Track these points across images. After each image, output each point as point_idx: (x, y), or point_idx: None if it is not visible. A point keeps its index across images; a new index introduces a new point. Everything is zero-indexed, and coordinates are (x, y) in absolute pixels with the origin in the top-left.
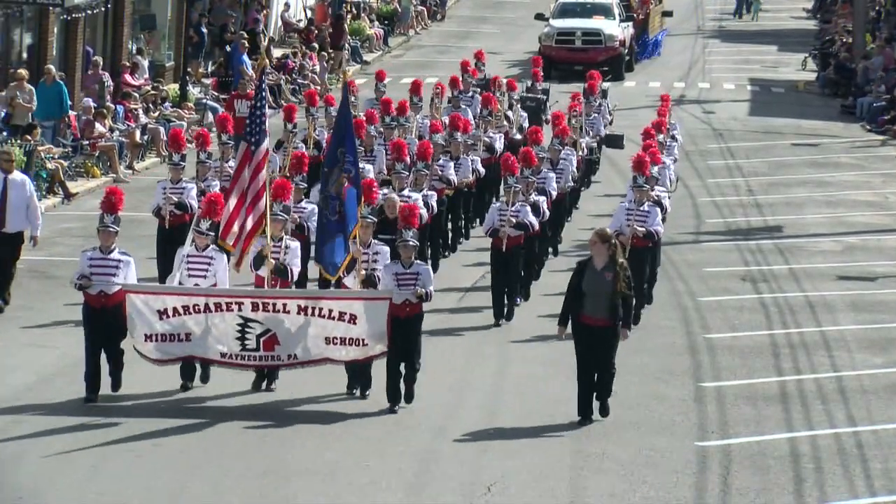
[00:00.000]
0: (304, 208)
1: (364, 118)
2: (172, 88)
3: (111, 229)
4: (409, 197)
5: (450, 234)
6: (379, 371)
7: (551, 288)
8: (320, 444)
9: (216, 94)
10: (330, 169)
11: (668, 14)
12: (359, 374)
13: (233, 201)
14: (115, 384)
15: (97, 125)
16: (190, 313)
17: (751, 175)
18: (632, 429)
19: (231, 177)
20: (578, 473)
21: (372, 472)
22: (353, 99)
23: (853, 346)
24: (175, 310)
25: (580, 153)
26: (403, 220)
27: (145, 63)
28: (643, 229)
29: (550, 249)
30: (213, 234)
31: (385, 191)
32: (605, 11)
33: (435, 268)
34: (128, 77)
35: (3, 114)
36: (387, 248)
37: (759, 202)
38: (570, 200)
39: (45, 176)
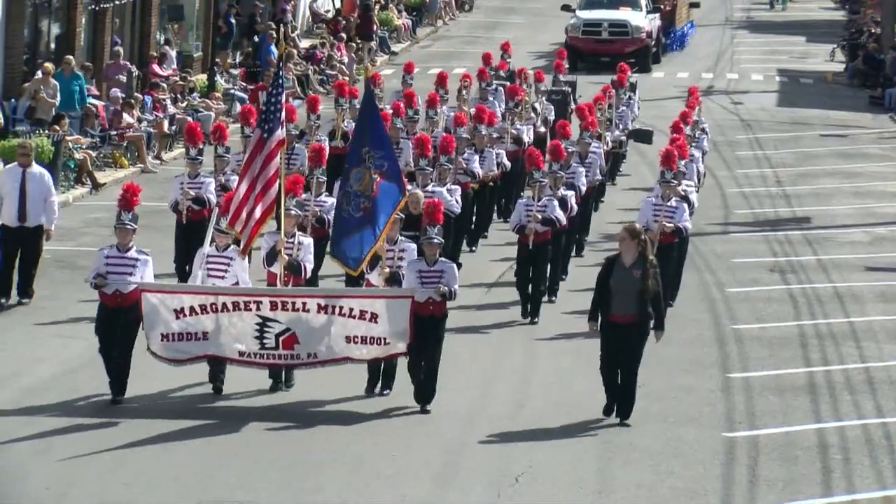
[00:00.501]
0: (325, 202)
1: (391, 111)
2: (200, 79)
3: (128, 227)
4: (432, 193)
5: (474, 228)
6: (401, 370)
7: (578, 284)
8: (345, 437)
9: (244, 84)
10: (351, 167)
11: (695, 5)
12: (381, 373)
13: (243, 188)
14: (118, 390)
15: (125, 115)
16: (207, 312)
17: (779, 166)
18: (660, 420)
19: None
20: (606, 464)
21: (399, 464)
22: (378, 92)
23: (881, 336)
24: (192, 309)
25: (605, 146)
26: (428, 218)
27: (173, 53)
28: (672, 225)
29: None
30: (232, 232)
31: (409, 186)
32: (632, 3)
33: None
34: (156, 67)
35: (25, 106)
36: (413, 246)
37: (788, 193)
38: (597, 194)
39: (73, 166)
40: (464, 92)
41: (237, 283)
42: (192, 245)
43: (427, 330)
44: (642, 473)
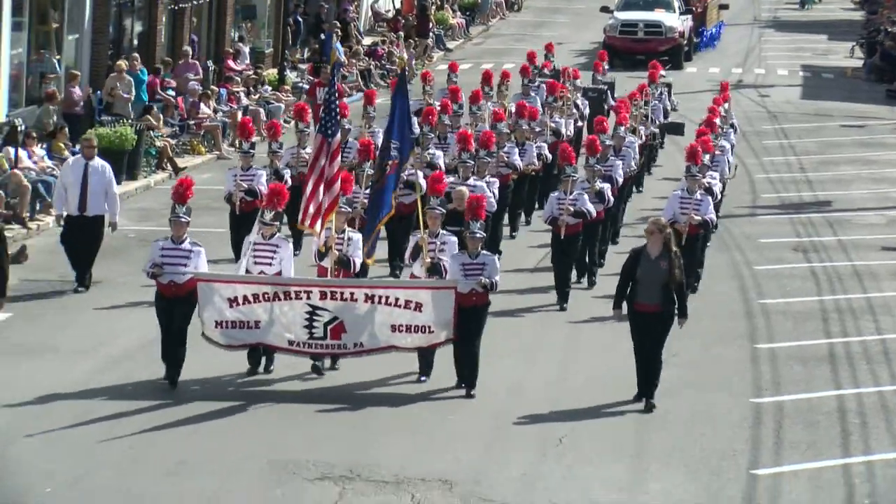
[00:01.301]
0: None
1: (439, 107)
2: (271, 73)
3: (182, 220)
4: (474, 186)
5: (516, 216)
6: (440, 358)
7: (616, 269)
8: (398, 410)
9: (311, 77)
10: (383, 161)
11: (724, 7)
12: (420, 360)
13: (310, 188)
14: (176, 371)
15: (202, 106)
16: (259, 301)
17: (802, 154)
18: (692, 387)
19: (307, 163)
20: (643, 427)
21: (451, 430)
22: (428, 88)
23: None
24: (245, 298)
25: (640, 139)
26: (471, 213)
27: (246, 50)
28: (699, 218)
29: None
30: (277, 223)
31: (451, 179)
32: (666, 4)
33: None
34: (230, 63)
35: (102, 100)
36: (454, 239)
37: (810, 179)
38: (633, 184)
39: (154, 153)
40: (503, 88)
41: (280, 273)
42: (243, 233)
43: (470, 319)
44: (676, 436)
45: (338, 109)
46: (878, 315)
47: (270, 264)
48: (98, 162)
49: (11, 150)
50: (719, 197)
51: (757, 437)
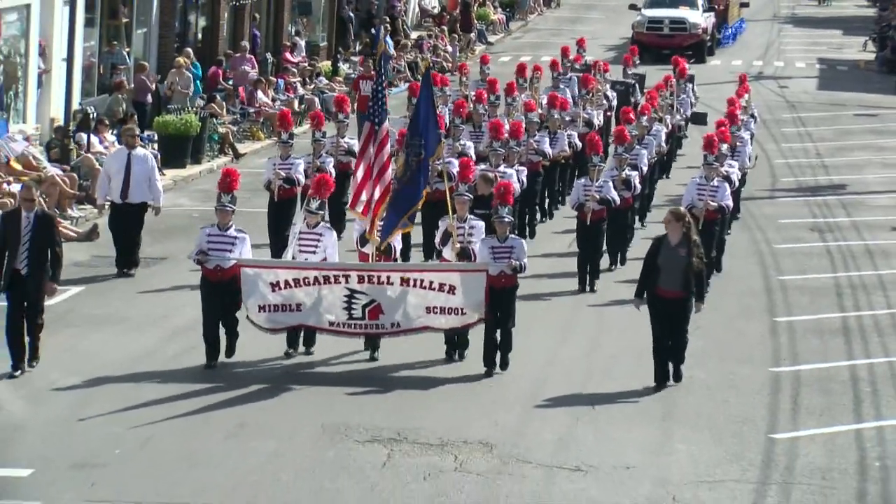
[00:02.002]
0: None
1: (474, 97)
2: (326, 65)
3: (228, 208)
4: (504, 173)
5: (547, 202)
6: (476, 337)
7: (642, 253)
8: (442, 378)
9: (361, 69)
10: (408, 157)
11: (745, 5)
12: (457, 339)
13: (360, 174)
14: (230, 350)
15: (260, 94)
16: (300, 286)
17: (819, 141)
18: (716, 357)
19: (346, 151)
20: (670, 394)
21: (490, 396)
22: (464, 79)
23: None
24: (287, 282)
25: (666, 128)
26: (500, 198)
27: (302, 43)
28: (715, 204)
29: (638, 219)
30: (322, 212)
31: (483, 166)
32: (691, 2)
33: (532, 234)
34: (287, 55)
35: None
36: (482, 223)
37: (826, 164)
38: (659, 171)
39: (216, 139)
40: (535, 81)
41: (325, 259)
42: (281, 219)
43: (500, 300)
44: (701, 402)
45: (385, 98)
46: (888, 290)
47: (314, 252)
48: (140, 151)
49: (84, 135)
50: (737, 185)
51: (775, 403)
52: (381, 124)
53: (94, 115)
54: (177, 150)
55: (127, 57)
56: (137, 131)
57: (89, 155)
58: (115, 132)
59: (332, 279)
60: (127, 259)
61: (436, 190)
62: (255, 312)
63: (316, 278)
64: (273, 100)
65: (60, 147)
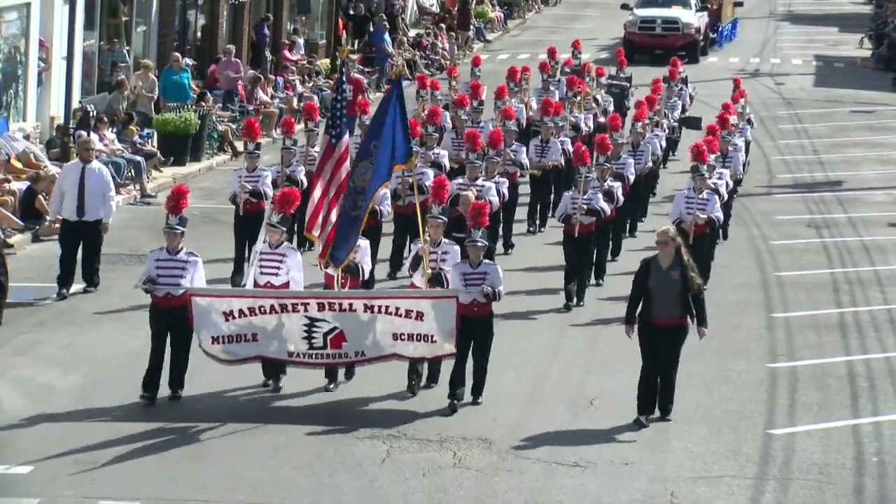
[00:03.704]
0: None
1: (456, 102)
2: (324, 63)
3: (177, 230)
4: (482, 186)
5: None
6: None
7: (629, 267)
8: (440, 377)
9: (361, 67)
10: (359, 160)
11: (738, 4)
12: (427, 371)
13: (317, 194)
14: (178, 384)
15: (259, 93)
16: (256, 314)
17: (815, 137)
18: (713, 352)
19: (315, 160)
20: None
21: (492, 389)
22: (454, 83)
23: None
24: (241, 311)
25: (665, 132)
26: (473, 220)
27: (301, 41)
28: (705, 216)
29: (626, 232)
30: (284, 228)
31: (460, 180)
32: (683, 2)
33: (511, 245)
34: (286, 53)
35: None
36: (457, 248)
37: (822, 160)
38: (653, 178)
39: (215, 136)
40: (523, 83)
41: (288, 283)
42: (247, 234)
43: (473, 331)
44: (699, 397)
45: (345, 113)
46: (885, 286)
47: (277, 274)
48: (95, 165)
49: (84, 133)
50: (726, 197)
51: (773, 399)
52: (340, 139)
53: (94, 113)
54: (176, 148)
55: (127, 55)
56: (93, 144)
57: None
58: (114, 130)
59: (289, 307)
60: (89, 277)
61: (408, 203)
62: (209, 344)
63: (273, 306)
64: (272, 97)
65: (60, 145)
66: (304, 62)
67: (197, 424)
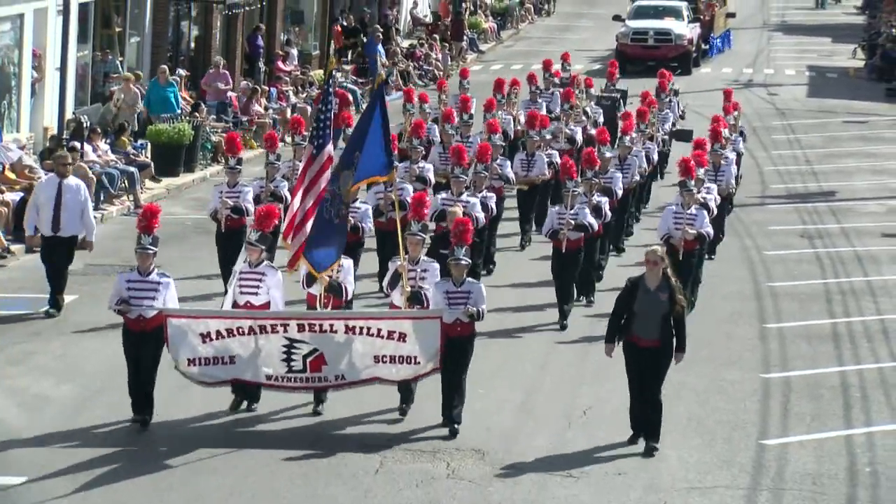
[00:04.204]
0: (358, 208)
1: (443, 115)
2: (318, 73)
3: (149, 251)
4: (467, 202)
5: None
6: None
7: (616, 283)
8: (433, 387)
9: (355, 78)
10: (341, 169)
11: (731, 15)
12: (400, 392)
13: (296, 203)
14: (149, 406)
15: (255, 105)
16: (234, 335)
17: (808, 147)
18: (706, 362)
19: None
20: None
21: (484, 399)
22: (443, 97)
23: (895, 293)
24: (218, 332)
25: (658, 146)
26: (456, 238)
27: (294, 52)
28: (694, 232)
29: (612, 248)
30: (263, 246)
31: (444, 195)
32: (675, 13)
33: (492, 263)
34: (280, 64)
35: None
36: (436, 265)
37: (815, 171)
38: (645, 192)
39: (209, 147)
40: (513, 96)
41: (268, 303)
42: (229, 251)
43: (455, 351)
44: (692, 407)
45: (330, 123)
46: (878, 297)
47: (257, 293)
48: (73, 181)
49: (77, 144)
50: (715, 212)
51: (766, 409)
52: (321, 150)
53: (88, 123)
54: (170, 159)
55: (120, 66)
56: (70, 159)
57: (82, 164)
58: (108, 140)
59: (268, 328)
60: (53, 298)
61: (389, 219)
62: (186, 366)
63: (251, 328)
64: (266, 108)
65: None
66: (298, 73)
67: (193, 434)
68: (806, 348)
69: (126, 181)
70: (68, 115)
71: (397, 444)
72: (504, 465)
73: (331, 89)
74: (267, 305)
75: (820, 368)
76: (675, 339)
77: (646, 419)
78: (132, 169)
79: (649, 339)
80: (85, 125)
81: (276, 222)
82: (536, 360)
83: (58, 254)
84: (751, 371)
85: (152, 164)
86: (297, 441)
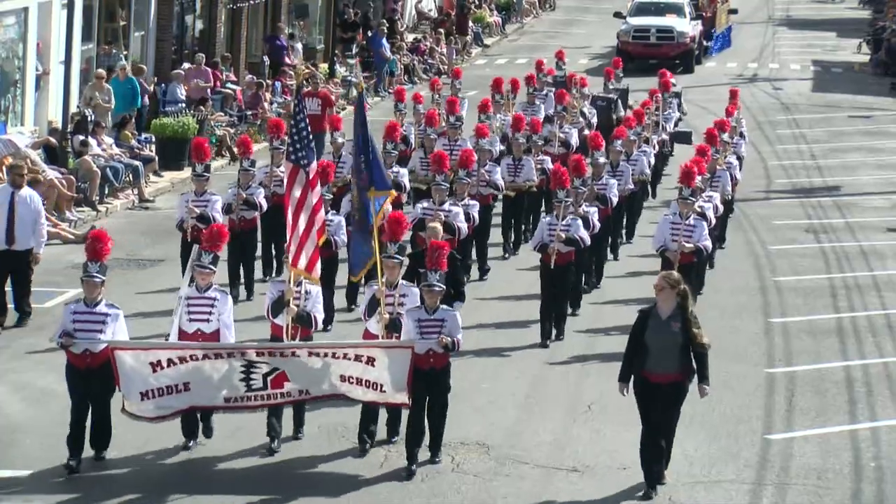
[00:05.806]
0: (331, 221)
1: (424, 119)
2: (323, 67)
3: (96, 279)
4: (448, 211)
5: (514, 235)
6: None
7: (609, 296)
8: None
9: (360, 72)
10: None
11: (733, 11)
12: (388, 425)
13: (289, 222)
14: (101, 446)
15: (262, 101)
16: (187, 361)
17: (813, 142)
18: (711, 357)
19: (282, 182)
20: None
21: (487, 396)
22: (436, 97)
23: None
24: (170, 360)
25: (653, 148)
26: (430, 262)
27: (299, 46)
28: (691, 245)
29: (611, 254)
30: (215, 269)
31: (425, 204)
32: (677, 10)
33: (486, 269)
34: (284, 58)
35: (165, 93)
36: (416, 290)
37: (820, 165)
38: (641, 195)
39: (214, 141)
40: (511, 97)
41: (218, 330)
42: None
43: (428, 384)
44: (696, 402)
45: (309, 135)
46: (882, 291)
47: (208, 321)
48: (26, 192)
49: (81, 138)
50: (714, 222)
51: (770, 404)
52: (309, 166)
53: (92, 118)
54: (174, 153)
55: (124, 60)
56: (25, 170)
57: (87, 158)
58: (112, 134)
59: (224, 354)
60: (20, 308)
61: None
62: (139, 402)
63: (206, 354)
64: (271, 102)
65: (58, 149)
66: (303, 67)
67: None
68: (811, 343)
69: (130, 175)
70: (72, 108)
71: (402, 437)
72: (509, 460)
73: (303, 103)
74: (218, 333)
75: (825, 363)
76: (696, 372)
77: (658, 465)
78: (137, 163)
79: (662, 373)
80: (89, 119)
81: (225, 243)
82: (541, 354)
83: (16, 268)
84: (755, 366)
85: (157, 158)
86: (303, 431)
